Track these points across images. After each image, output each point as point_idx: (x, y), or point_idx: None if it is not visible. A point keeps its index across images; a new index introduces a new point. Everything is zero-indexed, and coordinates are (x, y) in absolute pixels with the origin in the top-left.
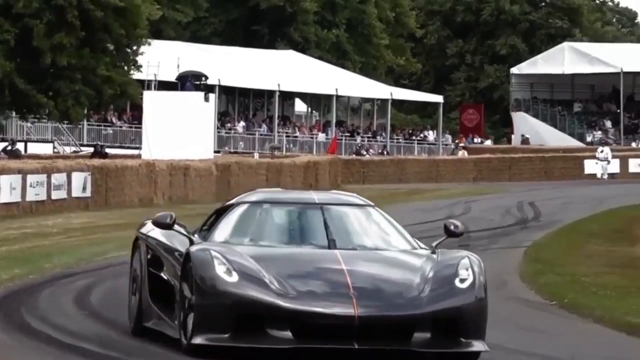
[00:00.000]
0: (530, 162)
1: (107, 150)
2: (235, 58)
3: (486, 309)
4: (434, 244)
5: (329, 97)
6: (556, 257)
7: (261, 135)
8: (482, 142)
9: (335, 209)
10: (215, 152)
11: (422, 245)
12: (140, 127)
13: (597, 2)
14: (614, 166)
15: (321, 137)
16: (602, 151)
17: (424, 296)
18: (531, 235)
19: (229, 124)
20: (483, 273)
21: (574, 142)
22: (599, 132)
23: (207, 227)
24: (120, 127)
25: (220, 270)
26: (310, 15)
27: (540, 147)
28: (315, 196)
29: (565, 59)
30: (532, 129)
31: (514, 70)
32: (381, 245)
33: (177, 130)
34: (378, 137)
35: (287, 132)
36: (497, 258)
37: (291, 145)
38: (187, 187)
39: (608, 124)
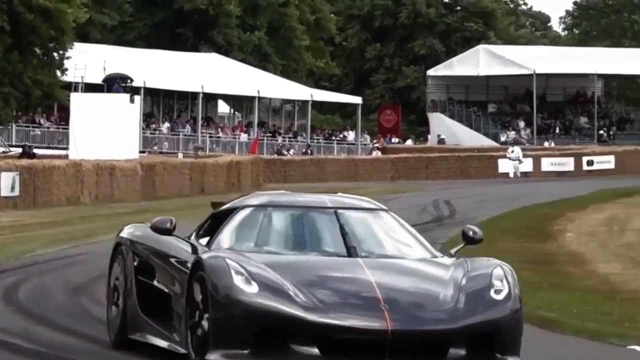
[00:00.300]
0: (446, 162)
1: (35, 150)
2: (160, 61)
3: (522, 322)
4: (452, 251)
5: (251, 99)
6: (471, 253)
7: (185, 135)
8: (401, 142)
9: (349, 213)
10: (140, 152)
11: (438, 253)
12: (68, 128)
13: (511, 6)
14: (527, 165)
15: (243, 137)
16: (512, 151)
17: (460, 309)
18: (447, 232)
19: (153, 125)
20: (517, 283)
21: (488, 142)
22: (513, 132)
23: (204, 233)
24: (48, 128)
25: (237, 279)
26: (233, 19)
27: (455, 147)
28: (327, 199)
29: (480, 61)
30: (448, 129)
31: (430, 72)
32: (401, 253)
33: (103, 131)
34: (299, 137)
35: (210, 133)
36: None
37: (214, 146)
38: (113, 186)
39: (521, 124)
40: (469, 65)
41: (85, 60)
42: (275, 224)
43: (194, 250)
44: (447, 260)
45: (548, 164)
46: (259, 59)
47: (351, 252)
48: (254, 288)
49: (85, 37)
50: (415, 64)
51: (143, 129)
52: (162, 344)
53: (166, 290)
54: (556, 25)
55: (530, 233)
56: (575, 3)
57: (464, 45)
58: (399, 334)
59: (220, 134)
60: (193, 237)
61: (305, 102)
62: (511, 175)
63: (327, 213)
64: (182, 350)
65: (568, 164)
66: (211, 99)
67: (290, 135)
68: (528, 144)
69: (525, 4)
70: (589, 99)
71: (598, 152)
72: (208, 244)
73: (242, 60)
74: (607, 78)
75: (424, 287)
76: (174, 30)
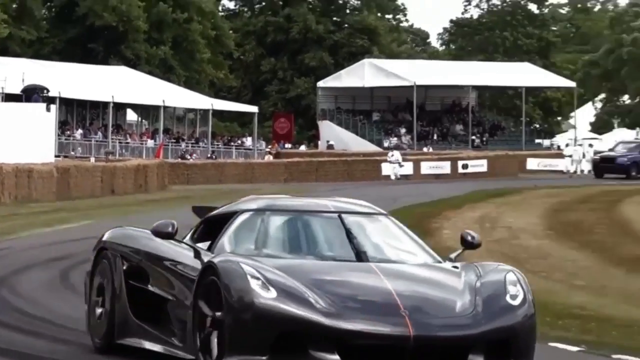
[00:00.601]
0: (334, 165)
1: None
2: (74, 73)
3: (536, 327)
4: (452, 256)
5: (156, 108)
6: None
7: (97, 141)
8: (296, 147)
9: (352, 217)
10: (56, 156)
11: (440, 257)
12: None
13: (394, 23)
14: (408, 168)
15: (150, 143)
16: (392, 155)
17: (479, 314)
18: None
19: (68, 132)
20: (529, 289)
21: (373, 148)
22: (395, 139)
23: (199, 237)
24: None
25: (255, 284)
26: (140, 34)
27: (343, 152)
28: (329, 203)
29: (366, 74)
30: (336, 136)
31: (320, 83)
32: (407, 258)
33: (22, 137)
34: (200, 143)
35: (119, 139)
36: None
37: (123, 151)
38: (31, 187)
39: (403, 131)
40: (355, 78)
41: (5, 73)
42: (280, 228)
43: (197, 254)
44: (456, 265)
45: (427, 168)
46: (164, 71)
47: (361, 257)
48: (272, 293)
49: (5, 51)
50: (306, 76)
51: (58, 135)
52: (157, 348)
53: (163, 295)
54: (435, 41)
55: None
56: (451, 21)
57: (350, 59)
58: (421, 340)
59: (129, 140)
60: (188, 241)
61: (206, 111)
62: (392, 177)
63: (331, 217)
64: (184, 354)
65: (445, 168)
66: (120, 108)
67: (193, 141)
68: (409, 149)
69: (406, 21)
70: (464, 108)
71: (472, 156)
72: (210, 249)
73: (149, 73)
74: (480, 89)
75: (440, 292)
76: (86, 45)
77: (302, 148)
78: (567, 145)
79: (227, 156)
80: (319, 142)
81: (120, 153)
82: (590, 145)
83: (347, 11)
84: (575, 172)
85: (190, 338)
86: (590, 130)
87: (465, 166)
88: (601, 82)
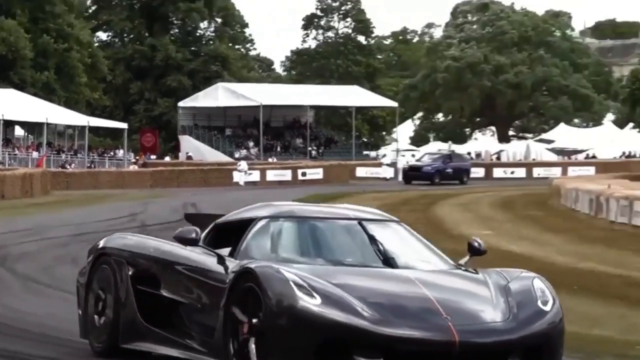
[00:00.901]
0: (193, 173)
1: None
2: None
3: (564, 332)
4: (461, 262)
5: (41, 124)
6: None
7: None
8: (163, 158)
9: (371, 225)
10: None
11: (453, 263)
12: None
13: (243, 52)
14: (256, 176)
15: (35, 154)
16: (240, 165)
17: (516, 320)
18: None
19: None
20: (556, 294)
21: (225, 158)
22: (244, 150)
23: (210, 243)
24: None
25: (299, 291)
26: (27, 61)
27: (201, 162)
28: (347, 211)
29: (219, 95)
30: (195, 148)
31: (181, 103)
32: (425, 264)
33: None
34: (78, 155)
35: (9, 151)
36: None
37: (12, 161)
38: None
39: (251, 144)
40: (211, 99)
41: None
42: (306, 235)
43: (221, 260)
44: (475, 270)
45: (272, 175)
46: (47, 93)
47: (390, 263)
48: (316, 300)
49: None
50: (168, 97)
51: None
52: (172, 352)
53: (178, 299)
54: (278, 68)
55: None
56: (292, 51)
57: (206, 82)
58: (467, 346)
59: (17, 152)
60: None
61: (83, 127)
62: (241, 183)
63: (351, 224)
64: (207, 359)
65: (287, 175)
66: (9, 124)
67: (72, 153)
68: (256, 160)
69: (254, 49)
70: (303, 125)
71: (310, 165)
72: (232, 255)
73: (34, 94)
74: (317, 109)
75: (474, 298)
76: None
77: (167, 159)
78: (384, 155)
79: (102, 166)
80: (180, 154)
81: (9, 163)
82: (413, 156)
83: (203, 42)
84: (392, 177)
85: (219, 343)
86: (410, 144)
87: (304, 174)
88: (419, 102)
